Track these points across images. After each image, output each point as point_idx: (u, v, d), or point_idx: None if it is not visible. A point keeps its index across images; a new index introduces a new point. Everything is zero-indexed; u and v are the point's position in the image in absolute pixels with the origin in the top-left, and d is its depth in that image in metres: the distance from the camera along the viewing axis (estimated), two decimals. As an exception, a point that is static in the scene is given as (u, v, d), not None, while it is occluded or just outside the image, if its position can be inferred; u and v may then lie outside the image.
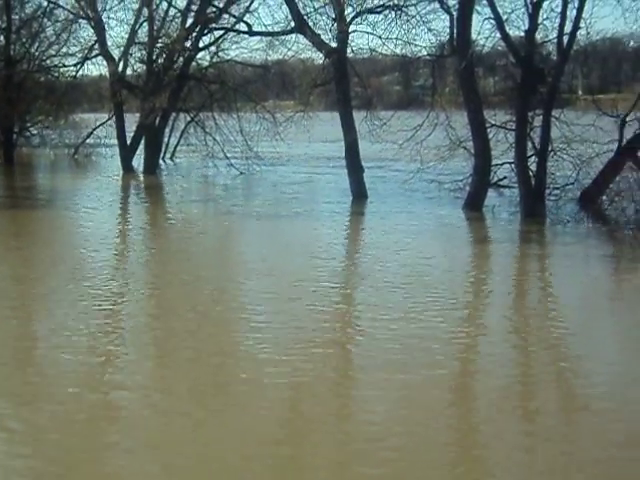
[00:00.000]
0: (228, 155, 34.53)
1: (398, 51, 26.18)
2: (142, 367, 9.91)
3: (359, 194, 25.03)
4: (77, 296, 13.02)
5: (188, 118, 36.74)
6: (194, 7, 32.80)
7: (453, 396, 9.17)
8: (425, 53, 26.28)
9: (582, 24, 21.68)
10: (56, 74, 38.70)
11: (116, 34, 42.16)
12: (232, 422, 8.17)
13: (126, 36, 34.49)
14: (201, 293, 13.54)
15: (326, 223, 20.91)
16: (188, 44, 32.61)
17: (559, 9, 21.58)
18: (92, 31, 35.17)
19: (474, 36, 22.73)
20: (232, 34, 33.36)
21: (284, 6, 26.82)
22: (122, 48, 34.64)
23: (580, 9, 21.45)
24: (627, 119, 22.60)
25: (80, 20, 35.66)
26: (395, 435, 7.90)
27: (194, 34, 32.73)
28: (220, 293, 13.53)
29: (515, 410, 8.69)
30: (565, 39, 21.57)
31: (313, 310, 12.17)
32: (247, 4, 32.09)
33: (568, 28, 21.49)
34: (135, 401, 8.71)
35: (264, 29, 30.97)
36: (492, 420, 8.38)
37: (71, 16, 35.58)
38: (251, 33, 30.81)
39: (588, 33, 22.97)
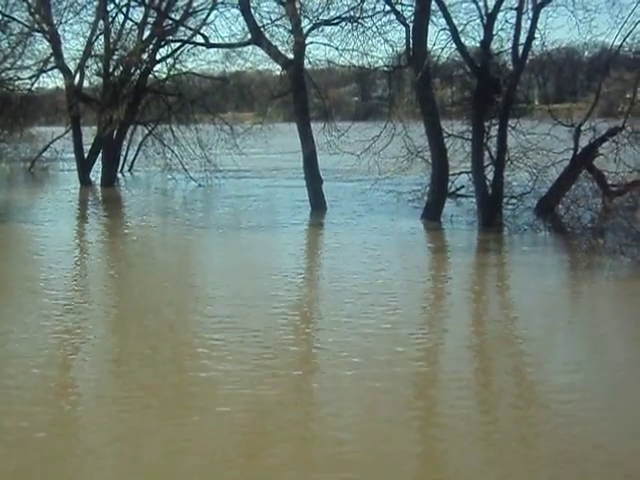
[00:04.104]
0: (187, 167, 34.45)
1: (355, 62, 26.32)
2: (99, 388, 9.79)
3: (318, 205, 25.02)
4: (30, 310, 12.88)
5: (146, 131, 36.59)
6: (151, 20, 32.69)
7: (416, 407, 9.16)
8: (382, 64, 26.40)
9: (537, 34, 21.94)
10: (11, 87, 38.26)
11: (72, 47, 42.09)
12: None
13: (82, 49, 34.30)
14: (157, 312, 13.37)
15: (285, 236, 20.85)
16: (145, 56, 32.45)
17: (514, 20, 21.84)
18: (48, 44, 34.93)
19: (430, 47, 22.85)
20: (189, 46, 33.34)
21: (241, 18, 26.86)
22: (78, 61, 34.42)
23: (534, 20, 21.68)
24: (582, 128, 22.79)
25: (35, 33, 35.36)
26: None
27: (151, 46, 32.59)
28: (176, 315, 13.29)
29: (476, 426, 8.71)
30: (520, 49, 21.79)
31: (271, 330, 12.10)
32: (204, 17, 32.16)
33: (523, 38, 21.74)
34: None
35: (221, 41, 31.01)
36: (454, 428, 8.41)
37: (26, 29, 35.24)
38: (208, 45, 30.78)
39: (543, 43, 23.23)
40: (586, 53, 43.13)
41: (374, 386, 9.47)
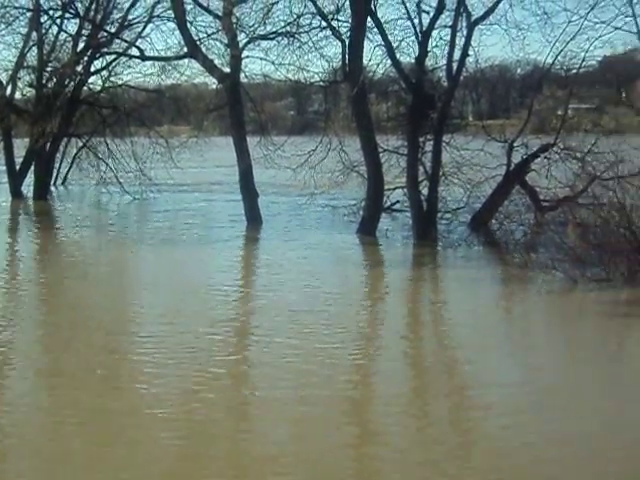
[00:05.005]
0: (121, 181, 34.09)
1: (291, 77, 26.42)
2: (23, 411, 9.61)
3: (253, 220, 24.92)
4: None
5: (80, 143, 36.12)
6: (85, 32, 32.34)
7: (350, 428, 9.16)
8: (318, 79, 26.49)
9: (470, 52, 22.28)
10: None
11: (4, 58, 40.95)
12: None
13: (14, 60, 33.72)
14: (89, 331, 13.11)
15: (219, 251, 20.71)
16: (79, 68, 32.10)
17: (448, 37, 22.12)
18: (-22, 55, 34.36)
19: (366, 62, 23.02)
20: (125, 59, 33.03)
21: (177, 32, 26.74)
22: (10, 72, 33.83)
23: (468, 37, 21.99)
24: (514, 144, 23.13)
25: (-35, 44, 34.70)
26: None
27: (85, 58, 32.26)
28: (108, 333, 13.02)
29: (413, 433, 8.72)
30: (454, 66, 22.05)
31: (203, 349, 11.98)
32: (139, 30, 31.95)
33: (457, 55, 22.01)
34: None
35: (157, 54, 30.83)
36: (389, 434, 8.42)
37: (-44, 40, 34.55)
38: (143, 58, 30.54)
39: (477, 60, 23.58)
40: (519, 70, 43.94)
41: (307, 407, 9.38)
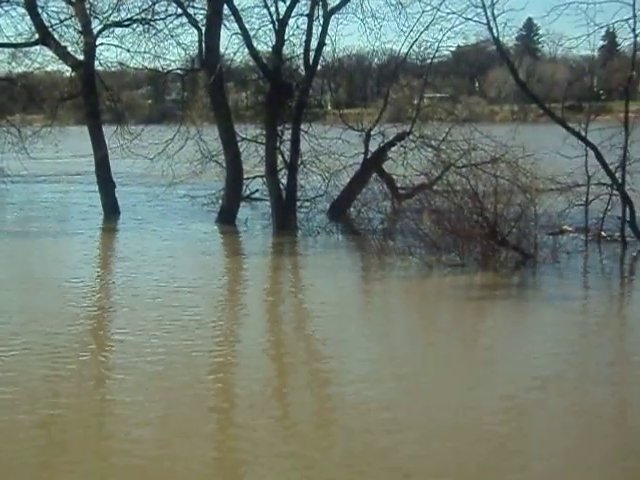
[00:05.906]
0: (-30, 172, 32.81)
1: (148, 65, 25.93)
2: None
3: (110, 211, 24.44)
4: None
5: None
6: None
7: (213, 408, 9.10)
8: (175, 67, 26.13)
9: (328, 40, 22.42)
10: None
11: None
12: None
13: None
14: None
15: (74, 243, 20.22)
16: None
17: (305, 26, 22.18)
18: None
19: (223, 51, 22.91)
20: (-28, 45, 31.76)
21: (27, 17, 25.87)
22: None
23: (325, 26, 22.13)
24: (372, 133, 23.46)
25: None
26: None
27: None
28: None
29: (273, 421, 8.71)
30: (312, 55, 22.14)
31: (55, 349, 11.53)
32: (-14, 15, 30.73)
33: (314, 44, 22.11)
34: None
35: (6, 40, 29.71)
36: (252, 428, 8.40)
37: None
38: (-9, 44, 29.42)
39: (334, 50, 23.72)
40: (375, 60, 44.52)
41: (167, 406, 9.17)
